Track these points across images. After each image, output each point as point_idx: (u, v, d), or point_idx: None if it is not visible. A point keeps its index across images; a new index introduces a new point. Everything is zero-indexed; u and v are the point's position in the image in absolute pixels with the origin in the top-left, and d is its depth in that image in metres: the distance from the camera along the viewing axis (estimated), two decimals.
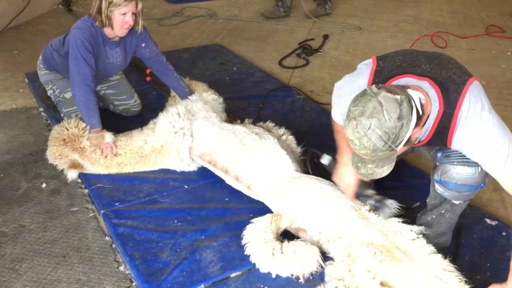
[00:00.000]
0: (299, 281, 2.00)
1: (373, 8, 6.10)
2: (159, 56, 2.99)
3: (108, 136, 2.66)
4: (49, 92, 3.07)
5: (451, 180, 1.90)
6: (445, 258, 1.91)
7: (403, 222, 2.06)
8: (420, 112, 1.64)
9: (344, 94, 1.94)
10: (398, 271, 1.87)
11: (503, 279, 1.83)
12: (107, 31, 2.74)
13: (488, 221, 2.38)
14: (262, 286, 2.00)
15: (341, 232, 2.04)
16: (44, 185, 2.63)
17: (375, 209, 1.96)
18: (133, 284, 2.05)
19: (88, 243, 2.25)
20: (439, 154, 1.92)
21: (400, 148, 1.65)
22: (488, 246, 2.23)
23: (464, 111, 1.69)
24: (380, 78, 1.83)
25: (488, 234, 2.30)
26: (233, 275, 2.05)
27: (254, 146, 2.48)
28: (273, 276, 2.03)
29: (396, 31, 5.26)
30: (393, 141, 1.59)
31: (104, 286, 2.03)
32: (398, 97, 1.57)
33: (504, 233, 2.30)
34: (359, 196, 2.02)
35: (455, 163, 1.86)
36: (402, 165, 2.64)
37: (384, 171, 1.70)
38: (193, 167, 2.69)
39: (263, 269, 2.05)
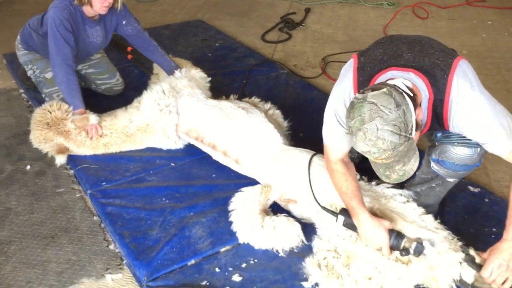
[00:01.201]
0: (280, 255, 2.03)
1: None
2: (142, 33, 2.94)
3: (93, 118, 2.62)
4: (29, 73, 3.01)
5: (449, 160, 1.91)
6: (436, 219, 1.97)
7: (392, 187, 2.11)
8: (411, 94, 1.60)
9: (335, 104, 1.85)
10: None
11: (486, 244, 1.87)
12: (86, 9, 2.68)
13: (471, 188, 2.43)
14: (251, 259, 2.03)
15: (331, 201, 2.06)
16: (28, 167, 2.60)
17: (419, 254, 1.83)
18: (124, 262, 2.06)
19: (76, 223, 2.25)
20: (439, 134, 1.92)
21: (415, 135, 1.59)
22: (471, 213, 2.28)
23: (454, 96, 1.67)
24: (364, 75, 1.77)
25: (471, 201, 2.35)
26: (223, 249, 2.08)
27: (241, 120, 2.48)
28: (256, 248, 2.06)
29: (377, 3, 5.24)
30: (405, 129, 1.53)
31: (95, 265, 2.04)
32: (385, 89, 1.54)
33: (486, 200, 2.36)
34: (395, 249, 1.87)
35: (455, 143, 1.87)
36: None
37: (413, 164, 1.61)
38: (179, 145, 2.69)
39: (241, 239, 2.09)
